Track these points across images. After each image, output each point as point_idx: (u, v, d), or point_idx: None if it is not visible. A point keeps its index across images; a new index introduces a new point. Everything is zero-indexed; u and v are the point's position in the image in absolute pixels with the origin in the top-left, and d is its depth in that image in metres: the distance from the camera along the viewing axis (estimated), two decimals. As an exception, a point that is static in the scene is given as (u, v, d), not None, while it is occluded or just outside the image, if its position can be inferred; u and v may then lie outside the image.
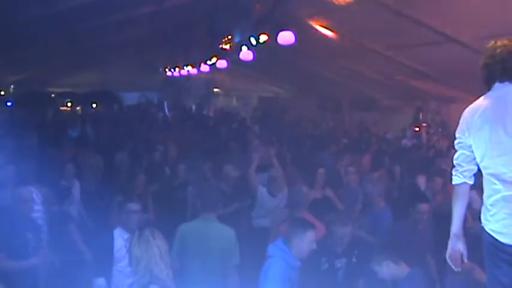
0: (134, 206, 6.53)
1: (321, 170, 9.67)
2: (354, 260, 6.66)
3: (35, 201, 7.77)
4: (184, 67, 23.06)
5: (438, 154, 12.96)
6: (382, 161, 12.04)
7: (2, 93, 24.04)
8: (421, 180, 9.55)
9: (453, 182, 4.14)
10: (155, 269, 4.78)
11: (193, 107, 26.94)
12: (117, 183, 9.92)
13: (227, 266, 6.53)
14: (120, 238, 6.27)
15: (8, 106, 23.25)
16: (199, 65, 19.78)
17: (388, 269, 5.80)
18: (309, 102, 23.83)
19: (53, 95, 28.03)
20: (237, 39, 15.00)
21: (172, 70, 26.27)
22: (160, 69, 28.32)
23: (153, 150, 12.04)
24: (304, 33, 12.06)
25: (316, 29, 13.38)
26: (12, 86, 25.37)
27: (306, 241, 5.79)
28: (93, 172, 10.19)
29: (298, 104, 24.60)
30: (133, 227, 6.04)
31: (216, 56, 17.11)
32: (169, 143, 13.02)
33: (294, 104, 25.10)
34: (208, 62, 18.26)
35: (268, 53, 14.51)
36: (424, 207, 7.46)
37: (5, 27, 10.10)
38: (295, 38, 11.27)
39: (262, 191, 9.32)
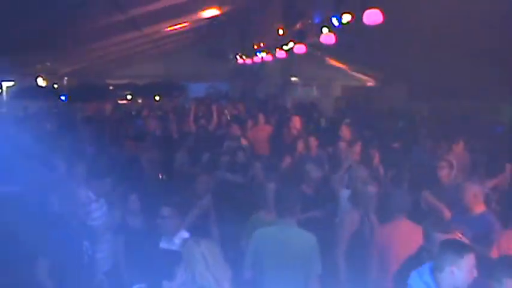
0: (167, 211, 6.54)
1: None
2: None
3: (92, 200, 7.92)
4: (258, 53, 22.98)
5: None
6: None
7: (55, 86, 24.47)
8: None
9: None
10: (201, 280, 4.75)
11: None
12: (177, 183, 9.93)
13: (308, 275, 6.41)
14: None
15: (62, 100, 23.66)
16: (275, 51, 19.64)
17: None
18: (399, 91, 23.35)
19: (111, 88, 28.32)
20: (316, 21, 14.80)
21: (244, 57, 26.26)
22: (231, 57, 28.36)
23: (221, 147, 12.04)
24: (393, 11, 11.75)
25: (407, 6, 13.04)
26: (66, 78, 25.85)
27: (464, 269, 5.07)
28: (154, 171, 10.26)
29: (387, 92, 24.15)
30: (169, 233, 6.20)
31: (293, 40, 16.94)
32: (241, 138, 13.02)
33: (382, 92, 24.66)
34: (285, 47, 18.08)
35: (353, 35, 14.26)
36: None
37: (55, 13, 10.25)
38: (383, 16, 11.02)
39: (344, 194, 9.12)
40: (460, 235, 6.38)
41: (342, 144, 12.29)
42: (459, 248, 5.11)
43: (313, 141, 13.09)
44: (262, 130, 15.87)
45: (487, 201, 8.08)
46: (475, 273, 5.07)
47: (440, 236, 5.95)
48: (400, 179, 9.79)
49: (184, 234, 6.76)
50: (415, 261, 5.87)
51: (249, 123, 16.46)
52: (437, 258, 5.12)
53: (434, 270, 5.06)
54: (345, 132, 14.40)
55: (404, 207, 7.42)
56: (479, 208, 7.81)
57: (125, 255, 7.83)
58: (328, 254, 7.29)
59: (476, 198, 7.79)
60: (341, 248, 7.73)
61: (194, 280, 4.87)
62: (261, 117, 16.76)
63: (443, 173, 9.52)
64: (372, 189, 8.26)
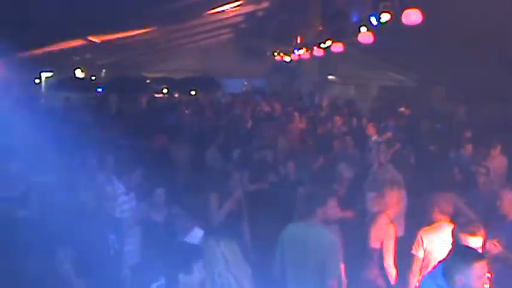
0: (176, 210, 6.56)
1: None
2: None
3: (122, 192, 7.93)
4: (295, 51, 22.89)
5: None
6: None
7: (93, 78, 24.62)
8: None
9: None
10: (220, 280, 4.71)
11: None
12: (209, 180, 9.85)
13: (325, 277, 6.31)
14: None
15: (98, 92, 23.79)
16: (312, 49, 19.53)
17: None
18: (437, 92, 23.08)
19: (147, 81, 28.38)
20: (354, 19, 14.66)
21: (281, 54, 26.17)
22: (268, 54, 28.29)
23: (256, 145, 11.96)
24: (433, 11, 11.58)
25: (447, 6, 12.84)
26: (103, 71, 25.98)
27: (473, 277, 4.92)
28: (183, 167, 10.24)
29: (425, 94, 23.88)
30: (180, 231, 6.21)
31: (330, 39, 16.81)
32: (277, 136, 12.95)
33: (421, 94, 24.38)
34: (322, 45, 17.96)
35: (391, 34, 14.10)
36: None
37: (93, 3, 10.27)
38: (423, 16, 10.86)
39: (370, 195, 8.99)
40: (496, 243, 6.24)
41: (375, 145, 12.18)
42: (468, 257, 4.96)
43: (348, 141, 12.98)
44: (297, 128, 15.79)
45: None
46: (485, 281, 4.99)
47: (467, 238, 5.83)
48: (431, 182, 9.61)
49: (199, 232, 6.72)
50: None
51: (283, 120, 16.40)
52: (447, 265, 5.00)
53: (446, 276, 4.93)
54: (371, 130, 14.31)
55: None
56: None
57: (146, 249, 7.86)
58: (357, 255, 7.22)
59: None
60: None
61: (214, 280, 4.84)
62: (297, 116, 16.69)
63: (481, 179, 9.36)
64: (395, 192, 8.16)
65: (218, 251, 4.86)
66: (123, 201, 7.98)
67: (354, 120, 16.82)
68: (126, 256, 7.60)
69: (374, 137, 13.41)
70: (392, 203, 7.92)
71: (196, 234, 6.65)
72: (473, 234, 5.91)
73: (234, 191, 8.83)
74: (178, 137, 12.74)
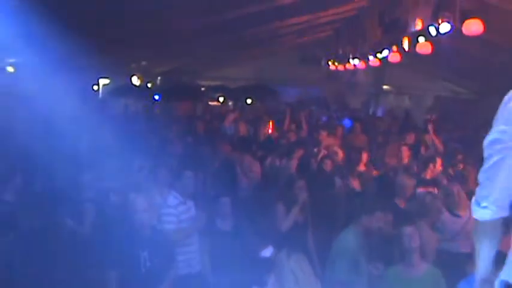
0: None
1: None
2: None
3: (180, 201, 7.93)
4: (351, 60, 22.78)
5: None
6: None
7: (149, 85, 24.86)
8: None
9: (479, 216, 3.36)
10: None
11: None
12: (275, 189, 9.81)
13: None
14: None
15: (155, 100, 23.99)
16: (368, 59, 19.40)
17: None
18: (496, 104, 22.66)
19: (202, 89, 28.53)
20: (413, 29, 14.51)
21: (336, 63, 26.08)
22: (323, 63, 28.21)
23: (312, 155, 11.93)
24: (494, 21, 11.41)
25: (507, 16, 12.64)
26: (159, 78, 26.19)
27: None
28: (250, 176, 10.25)
29: (483, 105, 23.49)
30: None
31: (387, 49, 16.68)
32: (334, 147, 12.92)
33: (478, 105, 24.01)
34: (379, 55, 17.83)
35: (450, 45, 13.93)
36: None
37: (152, 14, 10.41)
38: (484, 27, 10.70)
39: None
40: None
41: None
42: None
43: (405, 152, 12.86)
44: (358, 139, 15.72)
45: None
46: None
47: None
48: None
49: (270, 250, 6.69)
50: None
51: (340, 130, 16.34)
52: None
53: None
54: (410, 139, 14.09)
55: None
56: None
57: (213, 258, 7.80)
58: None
59: None
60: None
61: None
62: (358, 126, 16.65)
63: None
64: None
65: (287, 267, 4.87)
66: (182, 211, 7.97)
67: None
68: (181, 264, 7.61)
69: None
70: None
71: (267, 252, 6.59)
72: None
73: (299, 198, 8.77)
74: (240, 146, 12.73)
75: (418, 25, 13.59)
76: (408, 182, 9.34)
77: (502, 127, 3.24)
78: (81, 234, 7.34)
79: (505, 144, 3.22)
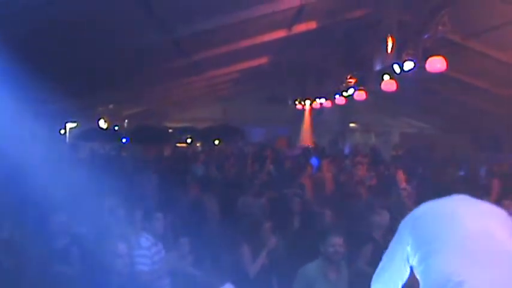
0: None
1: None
2: None
3: (152, 243, 7.89)
4: (317, 99, 22.98)
5: None
6: None
7: (116, 128, 24.80)
8: None
9: None
10: None
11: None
12: (240, 230, 9.77)
13: None
14: None
15: (123, 143, 23.91)
16: (334, 97, 19.59)
17: None
18: (461, 140, 22.91)
19: (170, 130, 28.52)
20: (377, 67, 14.69)
21: (303, 103, 26.27)
22: (290, 102, 28.39)
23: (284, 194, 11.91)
24: (456, 59, 11.62)
25: (472, 53, 12.87)
26: (126, 121, 26.15)
27: None
28: (214, 216, 10.22)
29: (447, 141, 23.78)
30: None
31: (353, 88, 16.88)
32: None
33: (443, 141, 24.29)
34: (344, 94, 18.03)
35: (414, 82, 14.12)
36: None
37: (121, 60, 10.44)
38: (447, 64, 10.89)
39: None
40: None
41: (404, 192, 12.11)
42: None
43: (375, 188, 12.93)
44: (325, 177, 15.75)
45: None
46: None
47: None
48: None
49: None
50: None
51: (309, 168, 16.37)
52: None
53: None
54: (400, 177, 14.19)
55: None
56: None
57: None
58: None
59: None
60: None
61: None
62: (325, 164, 16.71)
63: None
64: None
65: None
66: (154, 253, 7.93)
67: (381, 168, 16.78)
68: None
69: (403, 185, 13.28)
70: None
71: None
72: None
73: (266, 240, 8.75)
74: (207, 187, 12.70)
75: (383, 64, 13.78)
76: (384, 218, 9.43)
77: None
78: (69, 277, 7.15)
79: None
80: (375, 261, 7.40)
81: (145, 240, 7.89)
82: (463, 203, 3.91)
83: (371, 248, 8.64)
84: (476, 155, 20.78)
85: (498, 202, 11.41)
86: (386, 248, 7.61)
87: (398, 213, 10.42)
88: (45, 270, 6.74)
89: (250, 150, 20.28)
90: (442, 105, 20.24)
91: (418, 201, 10.61)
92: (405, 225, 3.98)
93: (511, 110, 16.23)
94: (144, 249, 7.76)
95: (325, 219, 9.91)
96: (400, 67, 12.29)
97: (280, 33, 13.98)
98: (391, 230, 9.36)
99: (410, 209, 9.81)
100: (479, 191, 13.86)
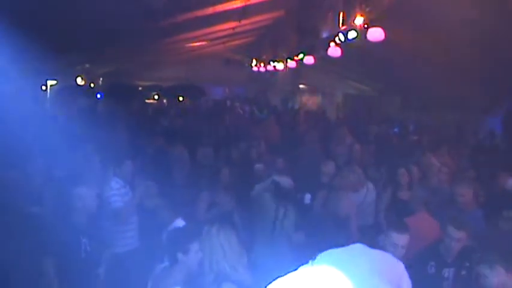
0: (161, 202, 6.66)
1: (403, 171, 9.33)
2: (463, 272, 6.12)
3: (121, 185, 7.94)
4: (271, 62, 22.95)
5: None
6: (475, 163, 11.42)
7: (92, 85, 24.65)
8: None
9: None
10: (217, 267, 4.78)
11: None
12: (203, 177, 9.82)
13: None
14: None
15: (98, 98, 23.88)
16: (286, 61, 19.59)
17: (498, 274, 5.14)
18: (394, 101, 23.19)
19: (140, 88, 28.54)
20: (325, 35, 14.74)
21: (258, 65, 26.23)
22: (246, 65, 28.34)
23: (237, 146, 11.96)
24: (393, 30, 11.68)
25: (406, 26, 12.96)
26: (101, 79, 26.01)
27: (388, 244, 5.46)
28: (180, 166, 10.24)
29: (382, 102, 24.04)
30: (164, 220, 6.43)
31: (303, 53, 16.88)
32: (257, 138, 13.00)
33: (379, 102, 24.55)
34: (296, 58, 18.04)
35: (356, 49, 14.18)
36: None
37: (95, 22, 10.26)
38: (386, 32, 10.97)
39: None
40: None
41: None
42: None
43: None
44: (273, 130, 15.85)
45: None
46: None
47: (454, 231, 5.90)
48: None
49: (180, 223, 6.70)
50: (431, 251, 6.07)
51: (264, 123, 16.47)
52: None
53: None
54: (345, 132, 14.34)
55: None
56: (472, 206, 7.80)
57: (143, 235, 8.03)
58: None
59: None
60: None
61: (211, 267, 4.89)
62: (272, 118, 16.81)
63: (443, 177, 9.45)
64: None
65: (217, 241, 4.90)
66: (123, 194, 8.06)
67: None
68: (128, 241, 7.90)
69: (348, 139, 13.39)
70: None
71: (178, 225, 6.58)
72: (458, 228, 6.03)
73: (224, 186, 8.84)
74: (172, 138, 12.69)
75: (329, 32, 13.84)
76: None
77: None
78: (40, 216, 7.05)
79: None
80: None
81: (116, 183, 8.04)
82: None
83: (325, 193, 8.81)
84: (407, 114, 21.12)
85: (424, 155, 11.78)
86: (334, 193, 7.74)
87: (343, 163, 10.67)
88: (21, 212, 6.63)
89: (210, 105, 20.23)
90: (380, 69, 20.37)
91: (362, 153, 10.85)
92: None
93: (438, 75, 16.50)
94: (114, 190, 7.91)
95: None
96: (344, 36, 12.34)
97: (238, 3, 13.90)
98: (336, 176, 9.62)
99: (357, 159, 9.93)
100: (410, 145, 14.28)
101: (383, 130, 16.67)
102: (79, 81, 22.72)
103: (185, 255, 5.13)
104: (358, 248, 4.11)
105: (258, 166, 10.25)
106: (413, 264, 5.82)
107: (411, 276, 5.12)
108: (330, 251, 4.08)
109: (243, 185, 9.43)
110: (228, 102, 25.81)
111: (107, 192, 7.93)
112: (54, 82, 22.32)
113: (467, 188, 7.88)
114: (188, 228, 6.03)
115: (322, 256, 4.09)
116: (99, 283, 6.72)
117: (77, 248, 6.39)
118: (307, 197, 8.85)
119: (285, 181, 8.43)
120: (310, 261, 4.08)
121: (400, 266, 4.15)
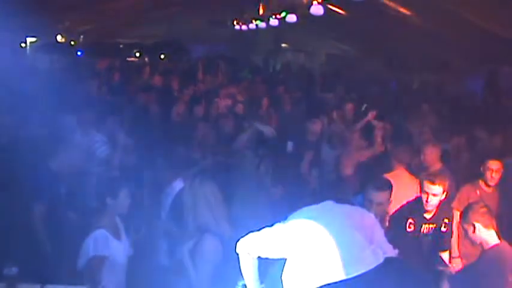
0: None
1: (380, 125, 9.44)
2: (443, 229, 6.23)
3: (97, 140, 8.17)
4: (253, 21, 22.80)
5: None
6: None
7: (72, 43, 24.44)
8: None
9: None
10: (202, 218, 4.86)
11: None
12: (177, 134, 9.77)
13: None
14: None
15: (78, 56, 23.71)
16: (268, 20, 19.48)
17: (479, 231, 5.21)
18: (377, 62, 23.19)
19: (121, 46, 28.37)
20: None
21: (240, 24, 26.04)
22: (228, 23, 28.12)
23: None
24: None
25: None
26: (81, 37, 25.78)
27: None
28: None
29: (365, 63, 24.02)
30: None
31: (285, 11, 16.82)
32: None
33: (361, 63, 24.52)
34: (278, 16, 17.96)
35: (339, 8, 14.19)
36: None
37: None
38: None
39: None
40: None
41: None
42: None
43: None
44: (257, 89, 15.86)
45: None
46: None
47: (429, 186, 6.00)
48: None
49: (180, 184, 6.60)
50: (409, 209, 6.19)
51: (245, 82, 16.43)
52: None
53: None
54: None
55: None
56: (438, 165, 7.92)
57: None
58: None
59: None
60: None
61: (195, 220, 4.93)
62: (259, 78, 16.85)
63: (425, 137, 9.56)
64: None
65: (201, 192, 4.94)
66: (105, 149, 8.16)
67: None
68: None
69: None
70: None
71: (177, 186, 6.47)
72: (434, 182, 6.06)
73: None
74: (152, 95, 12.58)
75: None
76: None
77: None
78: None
79: None
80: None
81: (98, 139, 8.11)
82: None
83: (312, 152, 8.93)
84: (388, 74, 21.20)
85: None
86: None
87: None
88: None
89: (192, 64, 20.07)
90: (363, 31, 20.32)
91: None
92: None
93: (418, 37, 16.55)
94: (98, 143, 8.04)
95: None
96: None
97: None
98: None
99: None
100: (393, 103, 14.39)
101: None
102: (59, 38, 22.53)
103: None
104: (328, 204, 4.19)
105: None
106: (392, 222, 5.96)
107: (389, 234, 5.13)
108: (302, 209, 4.16)
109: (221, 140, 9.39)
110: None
111: (93, 145, 8.10)
112: (34, 39, 22.15)
113: (431, 147, 8.05)
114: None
115: (294, 215, 4.17)
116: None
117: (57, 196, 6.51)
118: (290, 145, 8.93)
119: (268, 130, 8.50)
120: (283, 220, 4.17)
121: (371, 217, 4.25)
